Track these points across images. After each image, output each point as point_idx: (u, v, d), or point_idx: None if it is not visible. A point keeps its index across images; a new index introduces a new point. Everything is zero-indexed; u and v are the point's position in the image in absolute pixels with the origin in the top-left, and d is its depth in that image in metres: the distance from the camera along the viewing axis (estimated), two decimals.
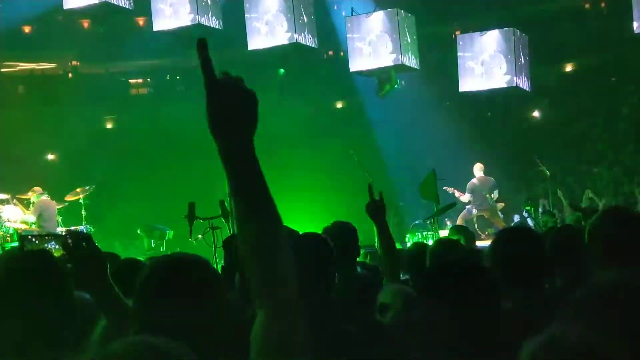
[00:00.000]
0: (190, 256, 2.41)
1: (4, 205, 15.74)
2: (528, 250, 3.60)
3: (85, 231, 15.78)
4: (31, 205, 15.82)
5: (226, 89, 1.89)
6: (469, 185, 16.66)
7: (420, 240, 13.62)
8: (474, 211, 16.54)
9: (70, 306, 2.58)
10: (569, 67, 27.14)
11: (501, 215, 16.89)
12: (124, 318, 2.58)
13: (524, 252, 3.57)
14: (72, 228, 15.45)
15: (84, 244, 2.63)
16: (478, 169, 16.77)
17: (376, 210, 5.15)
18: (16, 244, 13.59)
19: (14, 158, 20.32)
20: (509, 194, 20.16)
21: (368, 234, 5.68)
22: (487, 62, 18.28)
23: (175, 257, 2.47)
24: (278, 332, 1.86)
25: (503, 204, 17.09)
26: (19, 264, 2.66)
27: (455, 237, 7.03)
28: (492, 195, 16.50)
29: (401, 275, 5.77)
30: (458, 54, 18.69)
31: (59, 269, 2.63)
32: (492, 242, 3.79)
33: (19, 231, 15.08)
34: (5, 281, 2.57)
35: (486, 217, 16.60)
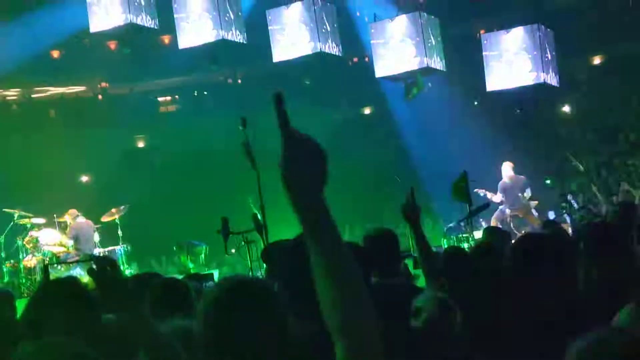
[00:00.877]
0: (252, 278, 2.42)
1: (41, 229, 15.92)
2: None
3: (118, 252, 15.93)
4: (68, 228, 15.99)
5: (302, 144, 1.95)
6: (500, 184, 16.59)
7: (453, 244, 13.57)
8: (507, 211, 16.46)
9: (100, 330, 2.61)
10: (597, 60, 26.90)
11: (535, 214, 16.78)
12: (152, 341, 2.59)
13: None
14: (98, 251, 15.54)
15: (108, 268, 2.63)
16: (508, 168, 16.69)
17: (412, 213, 5.16)
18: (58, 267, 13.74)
19: (48, 181, 20.54)
20: (544, 191, 20.04)
21: (402, 239, 5.67)
22: (513, 60, 18.18)
23: (241, 280, 2.45)
24: None
25: (537, 202, 16.99)
26: (47, 292, 2.71)
27: (489, 239, 7.02)
28: (525, 194, 16.42)
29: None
30: (483, 53, 18.61)
31: (87, 295, 2.66)
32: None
33: (57, 254, 15.24)
34: (35, 310, 2.62)
35: (520, 216, 16.51)
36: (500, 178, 16.80)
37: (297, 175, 1.91)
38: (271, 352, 2.20)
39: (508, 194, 16.46)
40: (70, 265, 9.17)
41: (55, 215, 16.31)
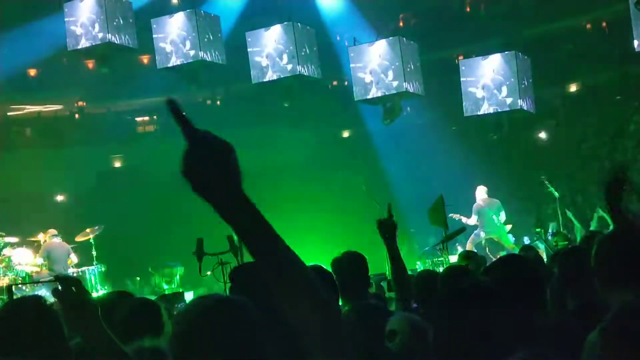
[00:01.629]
0: (229, 297, 2.39)
1: (14, 248, 15.76)
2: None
3: (92, 272, 15.79)
4: (41, 247, 15.86)
5: (206, 143, 1.84)
6: (474, 207, 16.68)
7: (429, 267, 13.59)
8: (482, 234, 16.53)
9: (66, 349, 2.58)
10: (573, 87, 27.14)
11: (512, 238, 16.85)
12: None
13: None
14: (71, 272, 15.40)
15: (73, 288, 2.60)
16: (481, 191, 16.80)
17: (387, 229, 5.16)
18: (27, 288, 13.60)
19: (23, 200, 20.40)
20: (519, 215, 20.12)
21: (377, 264, 5.67)
22: (490, 86, 18.30)
23: (217, 299, 2.40)
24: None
25: (510, 225, 17.08)
26: (12, 311, 2.68)
27: (464, 263, 7.03)
28: (500, 217, 16.50)
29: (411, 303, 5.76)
30: (461, 78, 18.72)
31: (51, 314, 2.63)
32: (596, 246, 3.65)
33: (31, 274, 15.09)
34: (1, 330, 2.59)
35: (495, 240, 16.57)
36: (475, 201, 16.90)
37: (208, 176, 1.82)
38: None
39: (482, 217, 16.54)
40: (36, 285, 9.09)
41: (28, 234, 16.18)
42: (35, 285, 9.44)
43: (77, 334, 2.76)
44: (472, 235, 16.60)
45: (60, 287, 2.56)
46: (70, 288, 2.58)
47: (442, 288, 5.11)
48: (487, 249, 16.45)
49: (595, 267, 3.37)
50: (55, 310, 2.73)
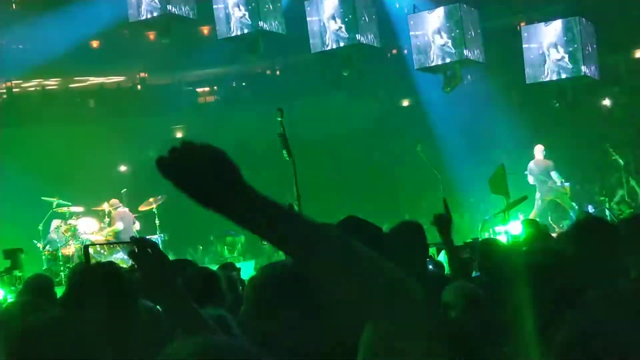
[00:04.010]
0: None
1: (79, 217, 16.07)
2: None
3: (156, 239, 16.04)
4: (106, 216, 16.14)
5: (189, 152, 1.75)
6: (528, 167, 16.40)
7: (490, 236, 13.48)
8: (537, 195, 16.19)
9: (136, 316, 2.61)
10: (638, 53, 26.54)
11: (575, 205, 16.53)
12: (195, 327, 2.58)
13: None
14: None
15: (149, 250, 2.62)
16: (538, 151, 16.48)
17: (443, 223, 5.18)
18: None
19: (87, 171, 20.71)
20: (583, 183, 19.84)
21: (434, 233, 5.66)
22: (553, 52, 17.99)
23: (285, 266, 2.42)
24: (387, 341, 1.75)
25: (567, 188, 16.65)
26: (85, 277, 2.72)
27: (526, 231, 6.98)
28: (554, 180, 16.12)
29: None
30: (523, 45, 18.44)
31: (124, 281, 2.66)
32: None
33: (95, 243, 15.38)
34: (73, 294, 2.64)
35: (558, 201, 16.25)
36: None
37: (205, 186, 1.77)
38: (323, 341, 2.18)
39: (534, 178, 16.23)
40: (113, 248, 9.20)
41: (93, 204, 16.47)
42: (113, 248, 9.60)
43: (153, 296, 2.79)
44: (536, 201, 16.33)
45: (136, 249, 2.59)
46: (146, 250, 2.60)
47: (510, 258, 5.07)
48: (550, 218, 16.24)
49: None
50: (128, 276, 2.76)
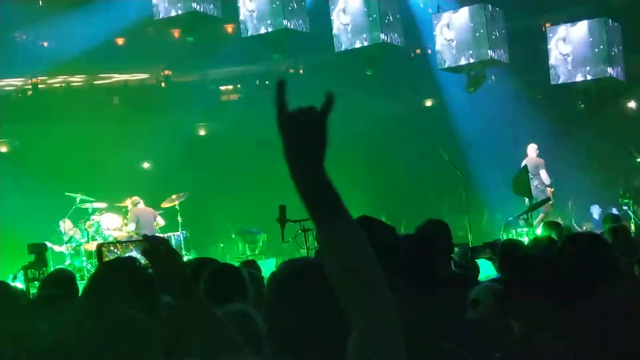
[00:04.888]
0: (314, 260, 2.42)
1: (102, 214, 16.17)
2: None
3: (177, 238, 16.09)
4: (129, 213, 16.24)
5: (295, 119, 1.93)
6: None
7: (512, 238, 13.42)
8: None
9: (157, 313, 2.62)
10: None
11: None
12: (209, 325, 2.59)
13: None
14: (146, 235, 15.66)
15: (161, 248, 2.63)
16: (531, 150, 16.33)
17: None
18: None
19: (110, 167, 20.82)
20: (606, 185, 19.72)
21: (461, 232, 5.65)
22: (578, 53, 17.89)
23: (306, 262, 2.47)
24: (371, 352, 1.82)
25: (551, 189, 16.41)
26: (107, 270, 2.74)
27: (547, 233, 6.94)
28: (542, 180, 15.85)
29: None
30: (549, 46, 18.35)
31: (144, 275, 2.67)
32: None
33: (118, 239, 15.47)
34: (93, 288, 2.66)
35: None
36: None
37: (293, 151, 1.91)
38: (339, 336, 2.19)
39: None
40: (126, 246, 9.23)
41: (116, 201, 16.57)
42: (126, 246, 9.62)
43: (166, 293, 2.80)
44: None
45: (148, 247, 2.60)
46: (158, 247, 2.61)
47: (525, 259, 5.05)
48: (572, 220, 16.15)
49: None
50: (148, 271, 2.77)
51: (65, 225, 15.90)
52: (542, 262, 2.76)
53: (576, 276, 3.26)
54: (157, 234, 15.98)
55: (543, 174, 16.05)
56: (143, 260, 2.83)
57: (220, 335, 2.54)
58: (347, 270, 1.84)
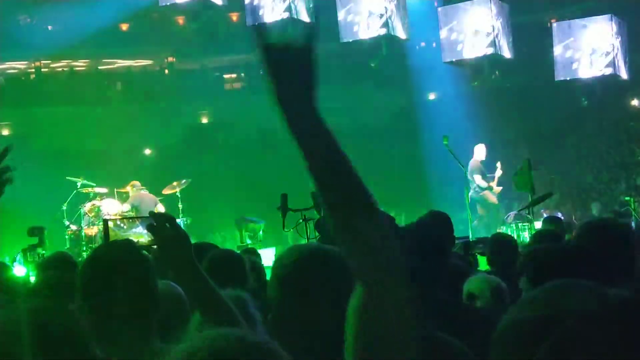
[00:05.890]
0: (326, 247, 2.40)
1: (103, 198, 16.15)
2: None
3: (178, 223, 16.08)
4: (129, 198, 16.22)
5: (280, 56, 1.81)
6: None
7: (514, 232, 13.42)
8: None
9: (155, 295, 2.61)
10: None
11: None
12: (213, 304, 2.58)
13: None
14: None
15: (167, 225, 2.62)
16: (478, 151, 16.22)
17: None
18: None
19: (113, 153, 20.81)
20: (609, 183, 19.69)
21: (459, 226, 5.65)
22: (583, 50, 17.88)
23: (316, 248, 2.46)
24: (377, 312, 1.75)
25: (498, 188, 16.36)
26: (104, 255, 2.72)
27: (549, 227, 6.93)
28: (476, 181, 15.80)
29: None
30: (554, 42, 18.33)
31: (142, 258, 2.66)
32: None
33: (114, 217, 15.44)
34: (91, 272, 2.65)
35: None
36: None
37: (282, 89, 1.80)
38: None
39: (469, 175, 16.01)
40: (133, 222, 9.24)
41: (117, 186, 16.55)
42: (132, 222, 9.63)
43: (170, 270, 2.79)
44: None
45: (155, 223, 2.59)
46: (164, 224, 2.60)
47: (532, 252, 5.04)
48: (573, 216, 16.14)
49: None
50: (146, 254, 2.75)
51: (87, 208, 15.87)
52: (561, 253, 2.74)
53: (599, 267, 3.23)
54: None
55: (477, 178, 15.96)
56: (146, 238, 2.82)
57: (224, 315, 2.54)
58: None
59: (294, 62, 1.80)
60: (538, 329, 1.44)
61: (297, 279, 2.31)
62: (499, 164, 16.10)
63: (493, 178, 15.97)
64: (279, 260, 2.43)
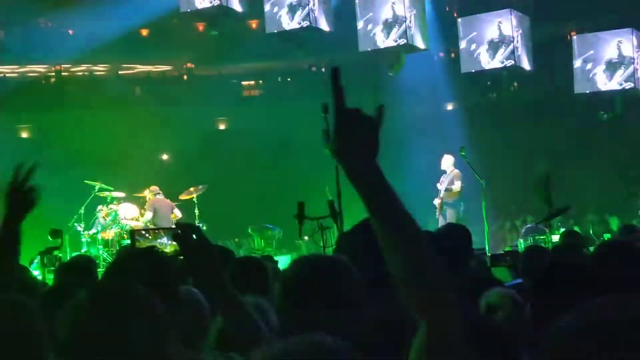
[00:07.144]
0: (335, 257, 2.45)
1: (120, 203, 16.22)
2: None
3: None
4: (146, 203, 16.28)
5: (352, 117, 2.00)
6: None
7: (535, 244, 13.36)
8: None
9: (176, 303, 2.62)
10: None
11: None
12: (237, 312, 2.59)
13: None
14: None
15: (193, 235, 2.63)
16: (445, 161, 16.19)
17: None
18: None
19: (130, 157, 20.89)
20: (626, 198, 19.59)
21: (477, 238, 5.64)
22: (604, 63, 17.80)
23: (323, 258, 2.52)
24: (438, 346, 1.88)
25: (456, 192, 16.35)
26: (128, 262, 2.74)
27: (567, 241, 6.90)
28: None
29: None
30: (574, 54, 18.27)
31: (166, 266, 2.68)
32: None
33: (133, 229, 15.49)
34: (114, 273, 2.66)
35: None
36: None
37: (347, 146, 1.94)
38: (356, 332, 2.19)
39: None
40: (158, 232, 9.22)
41: (135, 191, 16.61)
42: (157, 233, 9.61)
43: (196, 279, 2.80)
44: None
45: (180, 233, 2.60)
46: (190, 234, 2.62)
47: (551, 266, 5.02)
48: (590, 230, 16.07)
49: None
50: (169, 261, 2.77)
51: (103, 212, 15.95)
52: (577, 268, 2.74)
53: (613, 284, 3.23)
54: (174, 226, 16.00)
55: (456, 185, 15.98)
56: (169, 248, 2.84)
57: (248, 325, 2.55)
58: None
59: (366, 126, 1.99)
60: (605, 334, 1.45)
61: (296, 291, 2.35)
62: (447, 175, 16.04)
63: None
64: (283, 273, 2.49)
